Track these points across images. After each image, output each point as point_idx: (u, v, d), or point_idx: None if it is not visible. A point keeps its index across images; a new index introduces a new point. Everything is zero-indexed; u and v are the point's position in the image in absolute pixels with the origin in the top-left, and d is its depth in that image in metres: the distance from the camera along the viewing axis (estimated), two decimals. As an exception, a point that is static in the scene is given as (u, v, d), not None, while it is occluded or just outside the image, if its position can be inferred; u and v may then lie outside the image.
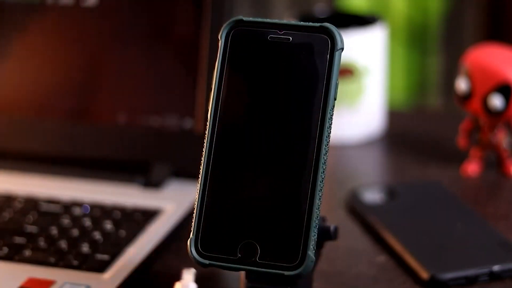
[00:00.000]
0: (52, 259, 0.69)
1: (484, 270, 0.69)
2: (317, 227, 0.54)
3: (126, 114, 0.85)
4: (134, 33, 0.85)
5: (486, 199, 0.86)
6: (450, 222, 0.77)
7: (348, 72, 0.97)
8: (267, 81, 0.56)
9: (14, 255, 0.70)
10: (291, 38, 0.57)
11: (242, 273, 0.59)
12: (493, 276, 0.69)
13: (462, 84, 0.88)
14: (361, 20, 1.01)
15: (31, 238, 0.73)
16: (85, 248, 0.71)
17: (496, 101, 0.85)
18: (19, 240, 0.72)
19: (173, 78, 0.84)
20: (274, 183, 0.55)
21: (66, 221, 0.75)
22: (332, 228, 0.62)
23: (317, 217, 0.54)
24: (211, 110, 0.57)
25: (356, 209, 0.81)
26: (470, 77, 0.87)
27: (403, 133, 1.02)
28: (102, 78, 0.86)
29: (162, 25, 0.84)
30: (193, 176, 0.79)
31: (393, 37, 1.85)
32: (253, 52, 0.57)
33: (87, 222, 0.75)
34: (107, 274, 0.68)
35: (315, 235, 0.54)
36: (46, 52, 0.87)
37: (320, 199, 0.55)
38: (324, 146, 0.55)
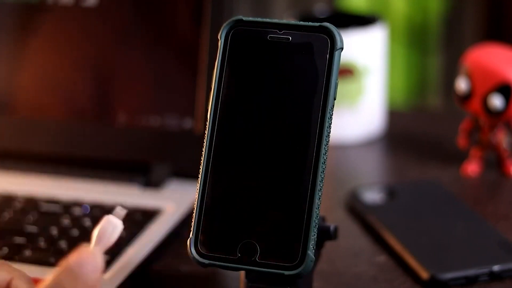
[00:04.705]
0: (52, 259, 0.69)
1: (484, 270, 0.69)
2: (317, 226, 0.54)
3: (126, 114, 0.85)
4: (134, 33, 0.85)
5: (486, 199, 0.86)
6: (450, 222, 0.77)
7: (348, 72, 0.97)
8: (266, 81, 0.56)
9: (14, 255, 0.70)
10: (290, 38, 0.57)
11: (242, 273, 0.59)
12: (493, 276, 0.69)
13: (462, 84, 0.88)
14: (361, 20, 1.01)
15: (31, 238, 0.73)
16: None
17: (496, 101, 0.85)
18: (19, 240, 0.72)
19: (173, 78, 0.84)
20: (274, 183, 0.55)
21: (66, 221, 0.75)
22: (332, 228, 0.62)
23: (317, 217, 0.54)
24: (211, 110, 0.57)
25: (356, 209, 0.81)
26: (470, 77, 0.87)
27: (403, 133, 1.02)
28: (102, 78, 0.86)
29: (162, 25, 0.84)
30: (193, 176, 0.78)
31: (393, 37, 1.85)
32: (252, 51, 0.57)
33: (87, 222, 0.75)
34: (107, 274, 0.68)
35: (315, 234, 0.54)
36: (46, 52, 0.87)
37: (320, 199, 0.55)
38: (324, 146, 0.55)
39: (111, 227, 0.54)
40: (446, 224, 0.77)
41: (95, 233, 0.53)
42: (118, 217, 0.54)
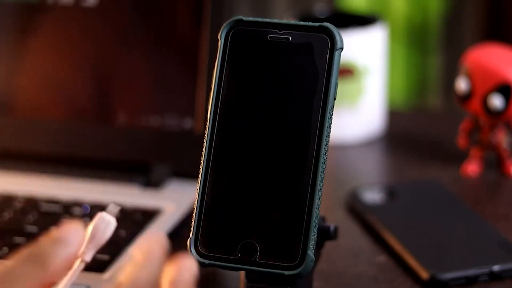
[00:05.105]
0: (52, 259, 0.69)
1: (484, 270, 0.69)
2: (317, 226, 0.54)
3: (126, 114, 0.85)
4: (134, 33, 0.85)
5: (486, 199, 0.86)
6: (450, 222, 0.77)
7: (348, 72, 0.97)
8: (266, 81, 0.56)
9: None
10: (290, 38, 0.57)
11: (242, 273, 0.59)
12: (493, 276, 0.69)
13: (462, 84, 0.88)
14: (361, 20, 1.01)
15: (31, 238, 0.73)
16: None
17: (496, 101, 0.85)
18: (19, 240, 0.72)
19: (173, 78, 0.84)
20: (274, 183, 0.55)
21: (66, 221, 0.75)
22: (332, 228, 0.62)
23: (317, 217, 0.54)
24: (211, 110, 0.57)
25: (356, 209, 0.81)
26: (470, 77, 0.87)
27: (403, 133, 1.02)
28: (102, 78, 0.86)
29: (162, 25, 0.84)
30: (193, 176, 0.78)
31: (393, 37, 1.85)
32: (252, 51, 0.57)
33: (87, 222, 0.75)
34: (107, 274, 0.68)
35: (315, 234, 0.54)
36: (46, 52, 0.87)
37: (320, 199, 0.55)
38: (324, 146, 0.55)
39: (104, 224, 0.54)
40: (446, 224, 0.77)
41: (88, 230, 0.54)
42: (111, 214, 0.54)
